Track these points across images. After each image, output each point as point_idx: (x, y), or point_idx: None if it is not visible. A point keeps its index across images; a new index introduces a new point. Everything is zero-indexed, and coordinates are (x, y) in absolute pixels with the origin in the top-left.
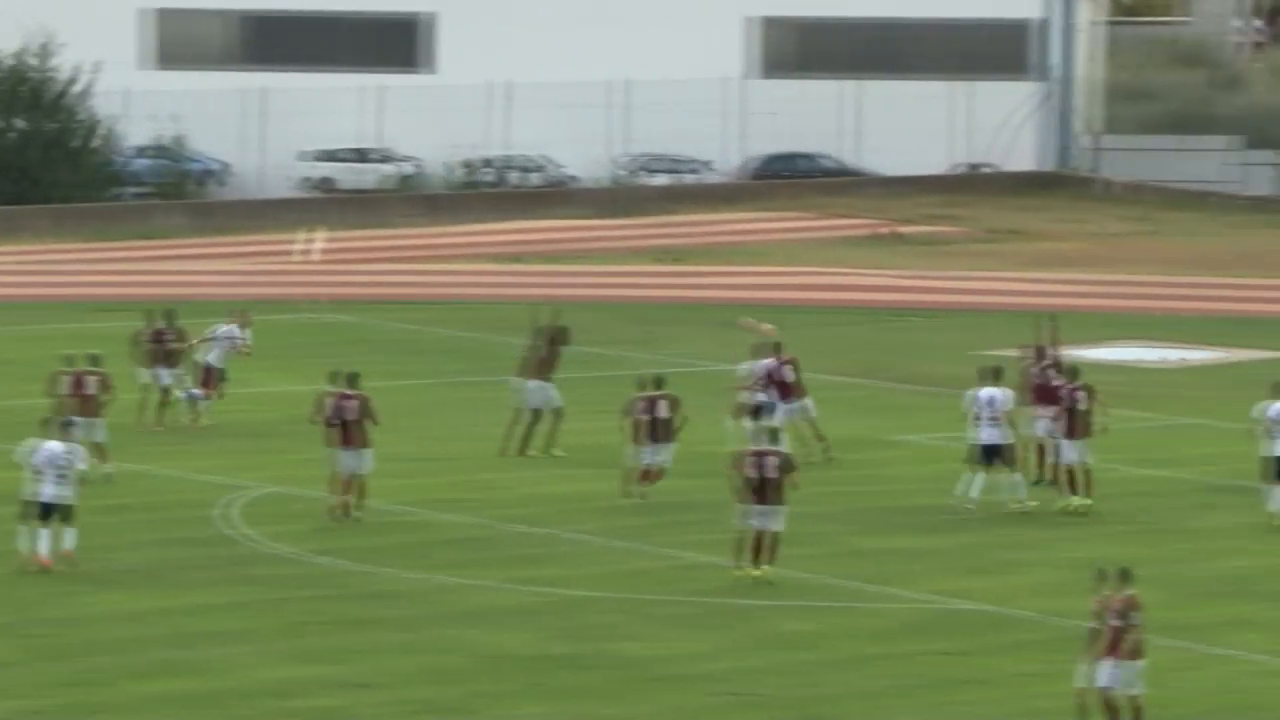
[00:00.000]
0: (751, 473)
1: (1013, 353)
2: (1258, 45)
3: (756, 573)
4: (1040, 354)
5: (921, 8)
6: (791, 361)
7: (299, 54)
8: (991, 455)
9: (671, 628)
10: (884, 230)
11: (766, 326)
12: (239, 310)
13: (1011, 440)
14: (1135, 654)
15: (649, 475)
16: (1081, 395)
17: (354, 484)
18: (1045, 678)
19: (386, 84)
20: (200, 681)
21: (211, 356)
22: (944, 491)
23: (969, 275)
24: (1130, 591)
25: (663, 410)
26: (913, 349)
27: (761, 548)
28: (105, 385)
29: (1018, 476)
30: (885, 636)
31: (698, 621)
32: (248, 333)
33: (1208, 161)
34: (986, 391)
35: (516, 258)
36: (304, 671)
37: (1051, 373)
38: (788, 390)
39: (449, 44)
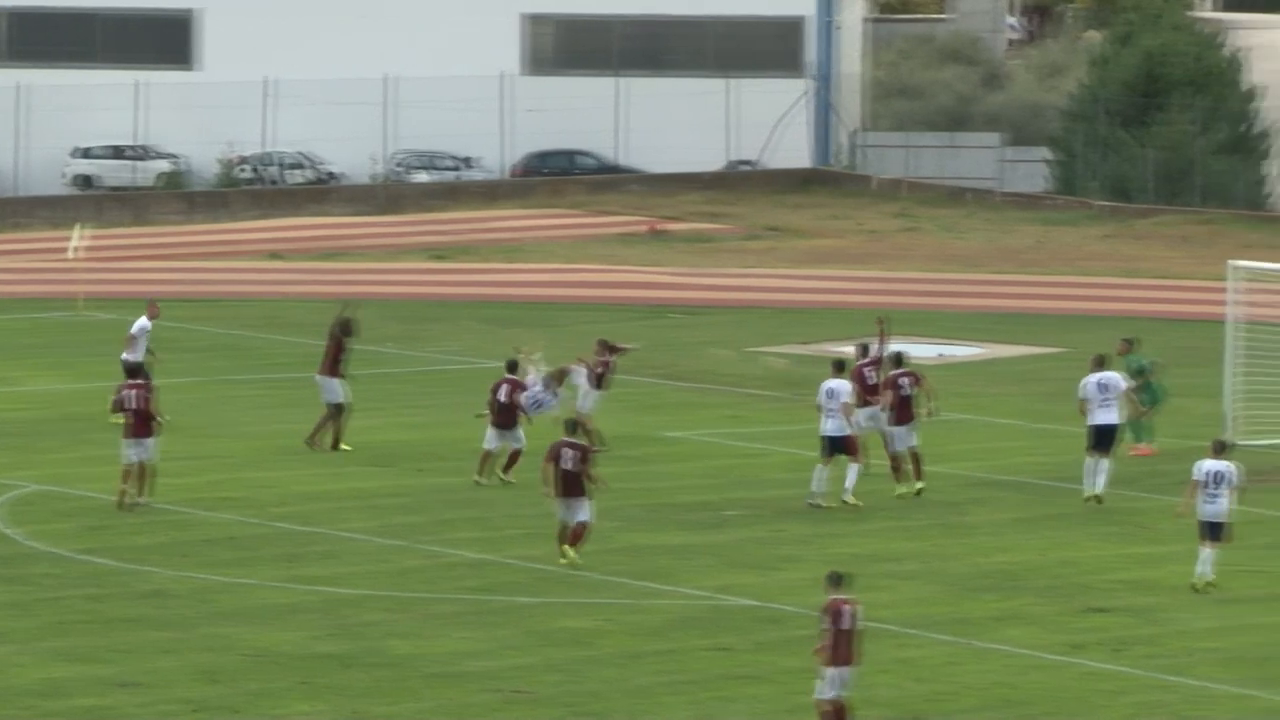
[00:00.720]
0: (552, 466)
1: (783, 348)
2: (1019, 43)
3: (563, 560)
4: (864, 351)
5: (691, 5)
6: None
7: (64, 51)
8: (834, 447)
9: (442, 625)
10: (646, 228)
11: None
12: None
13: (851, 432)
14: (853, 659)
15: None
16: (907, 381)
17: (134, 474)
18: (812, 674)
19: (152, 81)
20: None
21: None
22: (716, 488)
23: (737, 272)
24: (843, 595)
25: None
26: (682, 346)
27: (573, 537)
28: None
29: (854, 468)
30: (656, 633)
31: (468, 619)
32: None
33: (970, 159)
34: (827, 383)
35: (275, 255)
36: (69, 671)
37: (870, 371)
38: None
39: (214, 41)
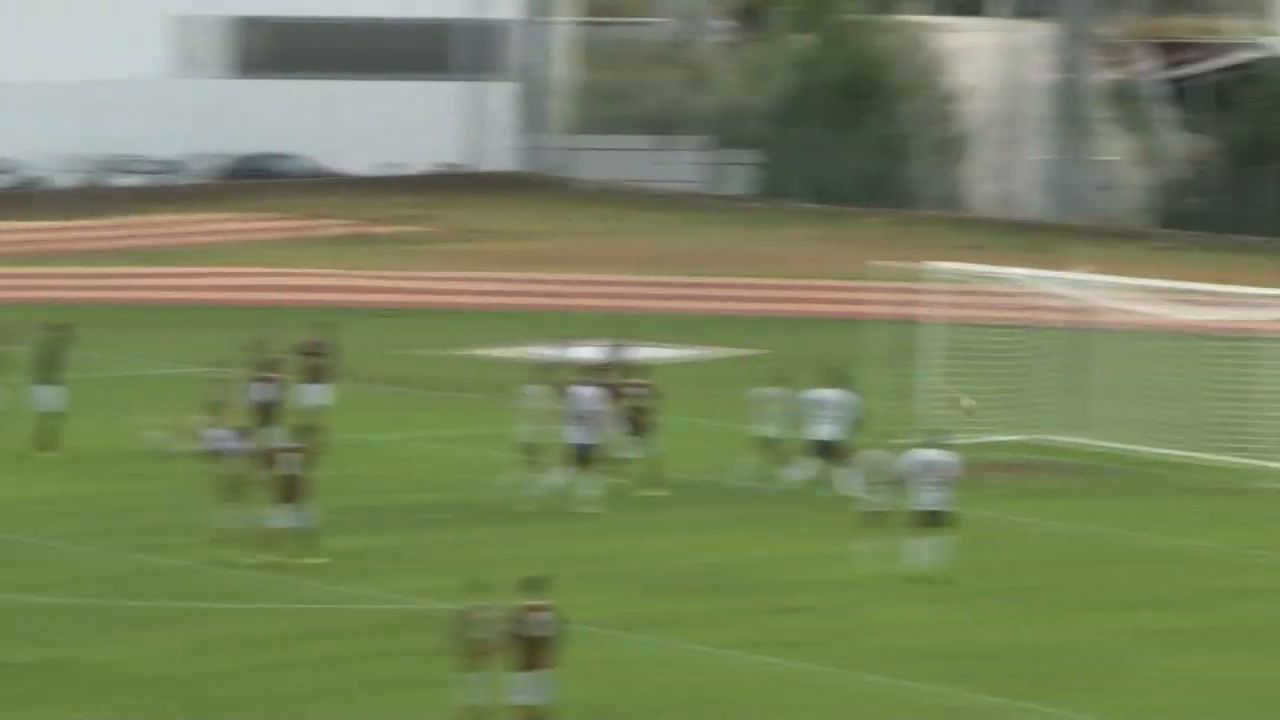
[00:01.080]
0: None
1: (488, 350)
2: (730, 45)
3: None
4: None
5: (392, 7)
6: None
7: None
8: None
9: (132, 631)
10: (361, 230)
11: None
12: None
13: (598, 441)
14: (545, 664)
15: None
16: (644, 392)
17: None
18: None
19: None
20: None
21: None
22: (416, 489)
23: (441, 275)
24: (534, 601)
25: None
26: (384, 349)
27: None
28: None
29: (591, 479)
30: (352, 636)
31: (159, 625)
32: None
33: (681, 161)
34: (579, 390)
35: None
36: None
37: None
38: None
39: None
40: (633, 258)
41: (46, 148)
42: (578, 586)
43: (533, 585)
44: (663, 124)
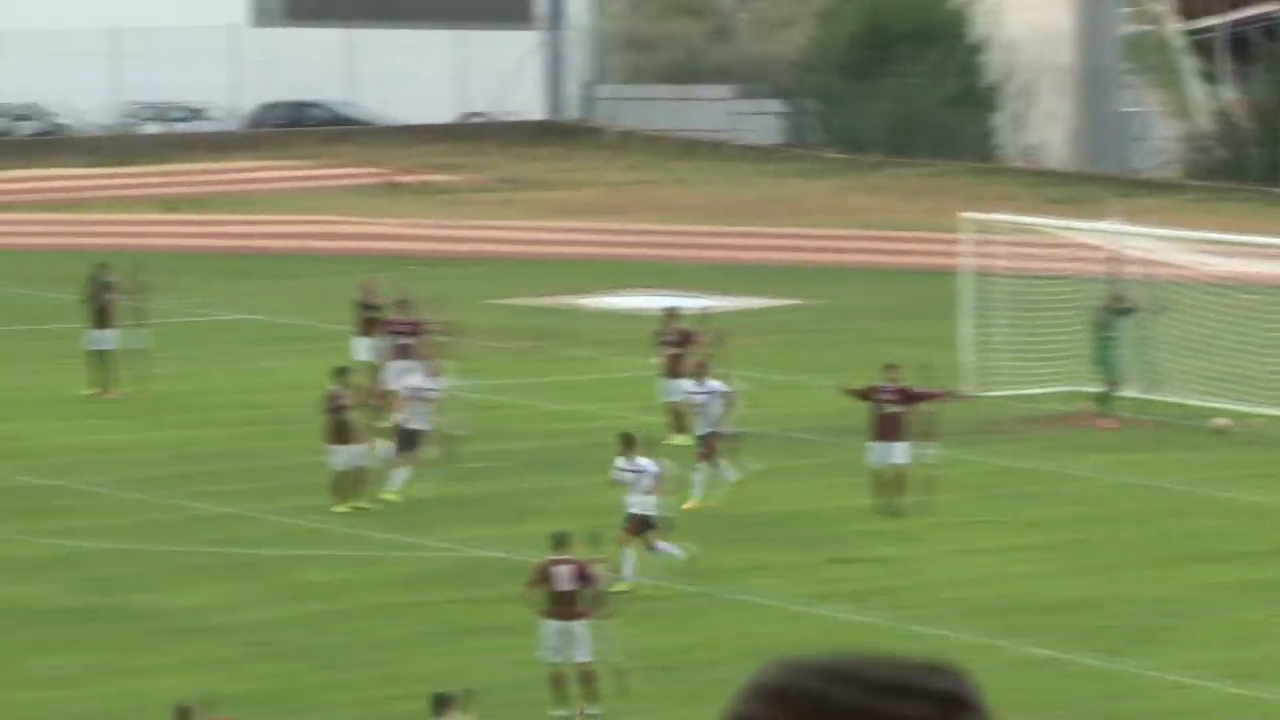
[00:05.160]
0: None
1: (520, 300)
2: None
3: (343, 508)
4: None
5: None
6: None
7: None
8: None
9: (189, 579)
10: (391, 179)
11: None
12: None
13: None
14: (583, 616)
15: None
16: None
17: None
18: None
19: None
20: None
21: None
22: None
23: (473, 224)
24: (562, 556)
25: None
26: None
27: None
28: None
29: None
30: (405, 585)
31: (215, 573)
32: None
33: (704, 111)
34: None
35: (6, 207)
36: None
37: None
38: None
39: None
40: (659, 206)
41: (74, 94)
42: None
43: (561, 541)
44: (685, 74)
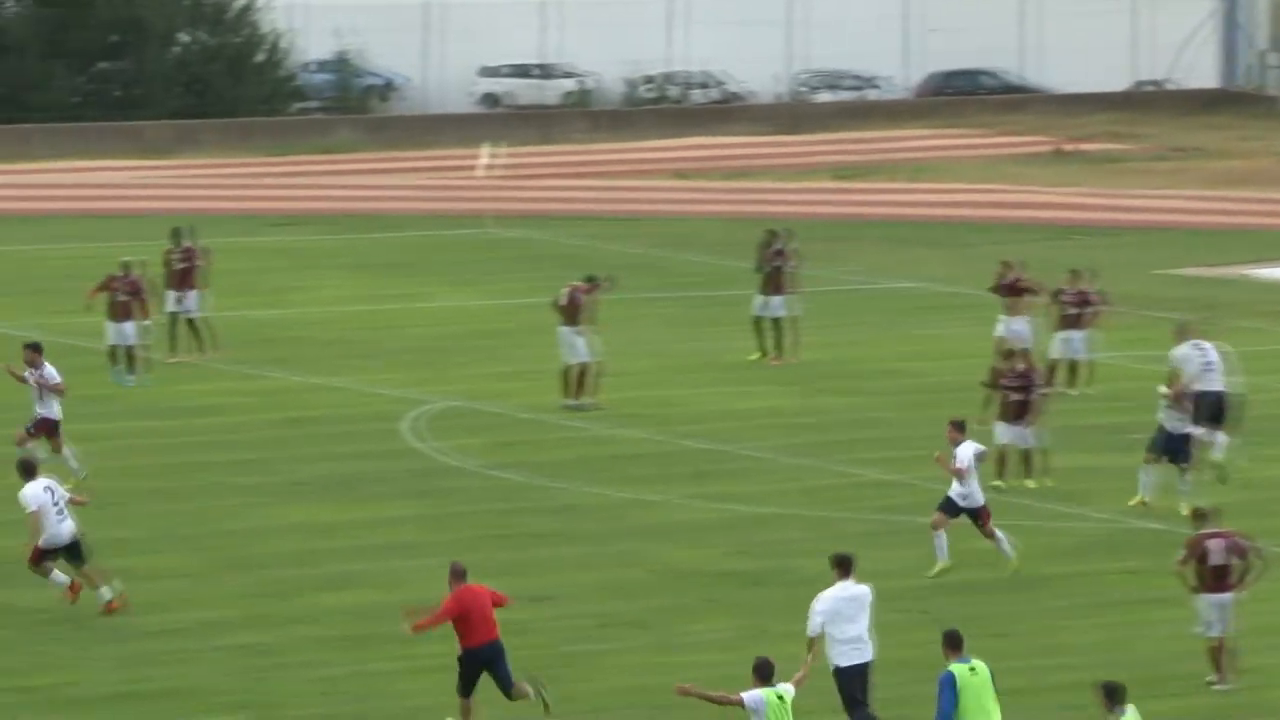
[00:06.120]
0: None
1: (1188, 270)
2: None
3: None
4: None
5: None
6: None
7: None
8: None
9: (850, 546)
10: (1061, 147)
11: None
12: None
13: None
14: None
15: None
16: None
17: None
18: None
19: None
20: (381, 594)
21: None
22: (1122, 410)
23: (1142, 193)
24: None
25: None
26: (1092, 268)
27: (1026, 463)
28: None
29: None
30: (1065, 556)
31: (878, 539)
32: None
33: None
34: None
35: (680, 174)
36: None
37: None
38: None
39: None
40: None
41: (749, 63)
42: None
43: (1203, 515)
44: None
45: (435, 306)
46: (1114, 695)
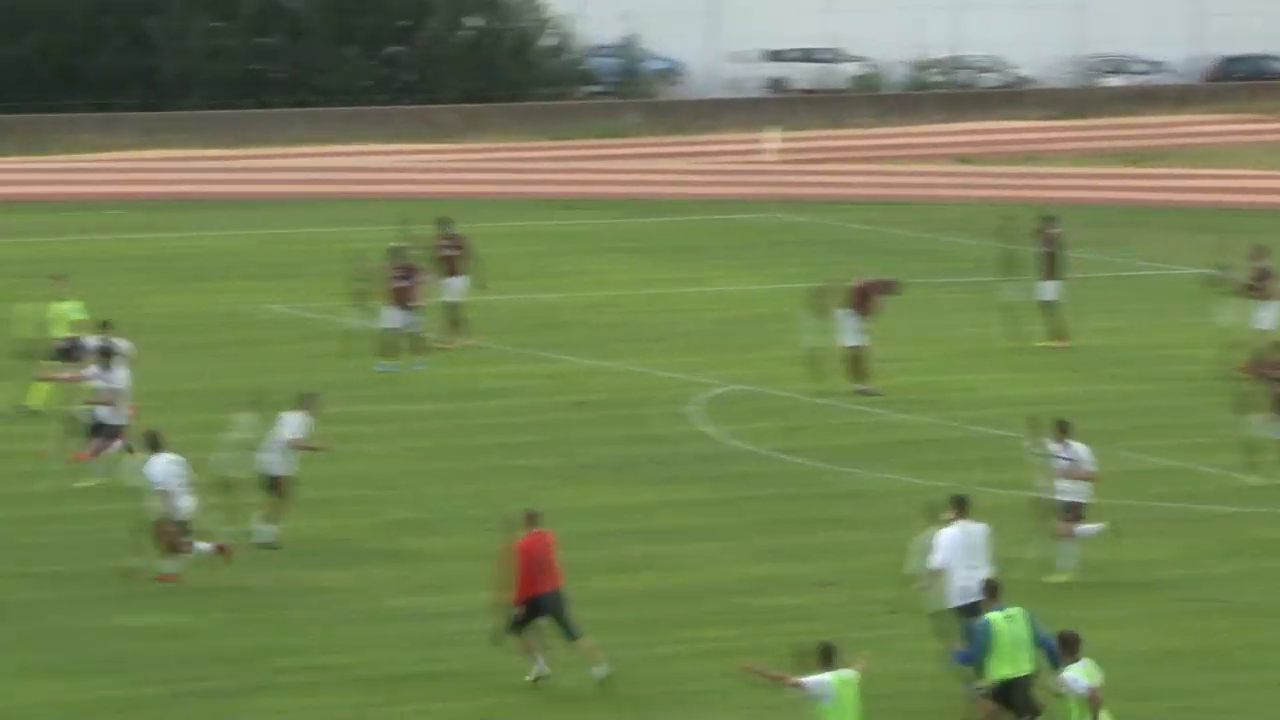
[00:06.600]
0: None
1: None
2: None
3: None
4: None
5: None
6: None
7: None
8: None
9: (1138, 533)
10: None
11: None
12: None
13: None
14: None
15: None
16: None
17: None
18: None
19: None
20: (668, 577)
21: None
22: None
23: None
24: None
25: None
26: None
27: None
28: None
29: None
30: None
31: (1164, 528)
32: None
33: None
34: None
35: (964, 158)
36: (771, 569)
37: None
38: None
39: None
40: None
41: (1035, 47)
42: None
43: None
44: None
45: (717, 290)
46: (1069, 646)
